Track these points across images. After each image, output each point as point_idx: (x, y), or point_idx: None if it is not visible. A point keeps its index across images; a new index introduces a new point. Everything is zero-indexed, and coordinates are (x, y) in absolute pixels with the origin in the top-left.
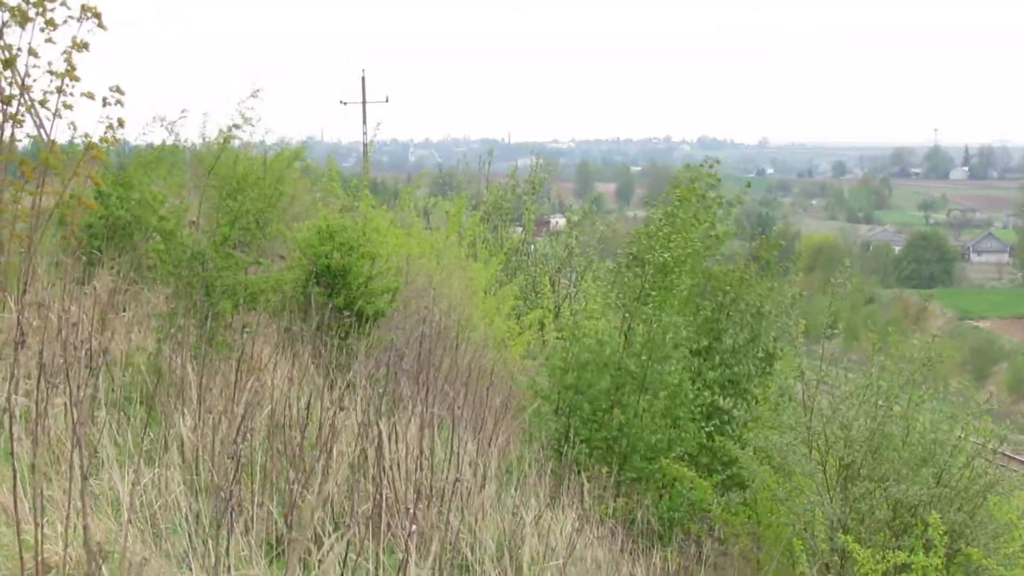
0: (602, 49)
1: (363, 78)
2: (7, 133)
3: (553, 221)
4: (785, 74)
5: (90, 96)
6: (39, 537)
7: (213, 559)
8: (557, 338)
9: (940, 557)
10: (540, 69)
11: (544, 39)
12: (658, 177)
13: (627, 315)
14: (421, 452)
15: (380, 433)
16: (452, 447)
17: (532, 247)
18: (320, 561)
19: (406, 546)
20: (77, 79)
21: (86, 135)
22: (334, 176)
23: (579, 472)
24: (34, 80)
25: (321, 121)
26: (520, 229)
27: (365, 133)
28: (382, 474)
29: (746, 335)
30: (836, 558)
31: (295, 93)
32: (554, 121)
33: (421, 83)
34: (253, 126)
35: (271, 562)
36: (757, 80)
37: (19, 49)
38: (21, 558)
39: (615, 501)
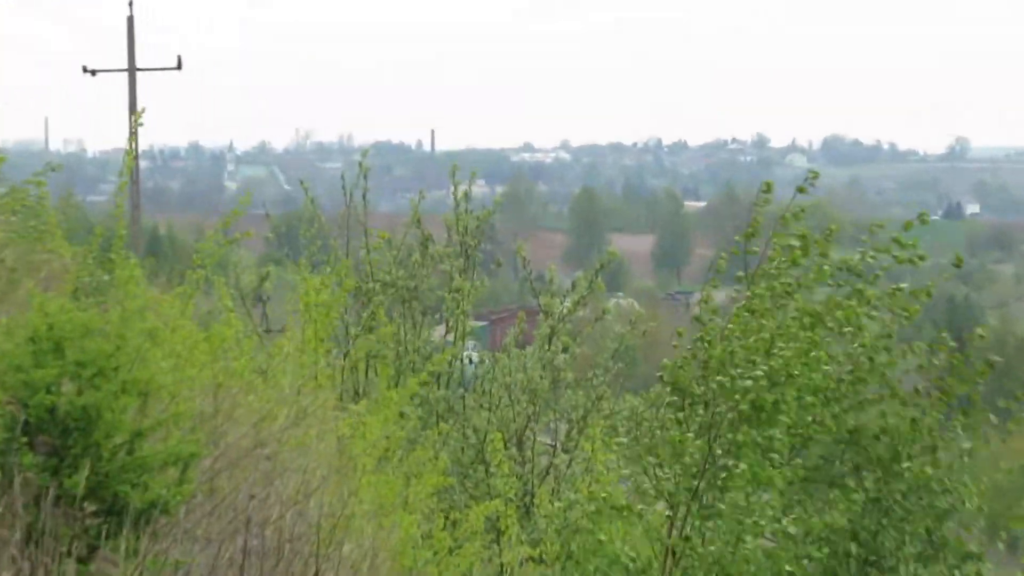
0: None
1: (130, 17)
2: None
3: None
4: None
5: None
6: None
7: None
8: (533, 561)
9: None
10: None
11: None
12: (738, 219)
13: (679, 512)
14: None
15: None
16: None
17: (472, 369)
18: None
19: None
20: None
21: None
22: (66, 219)
23: None
24: None
25: (47, 108)
26: (444, 333)
27: (133, 131)
28: None
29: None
30: None
31: None
32: (523, 113)
33: (257, 47)
34: None
35: None
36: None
37: None
38: None
39: None
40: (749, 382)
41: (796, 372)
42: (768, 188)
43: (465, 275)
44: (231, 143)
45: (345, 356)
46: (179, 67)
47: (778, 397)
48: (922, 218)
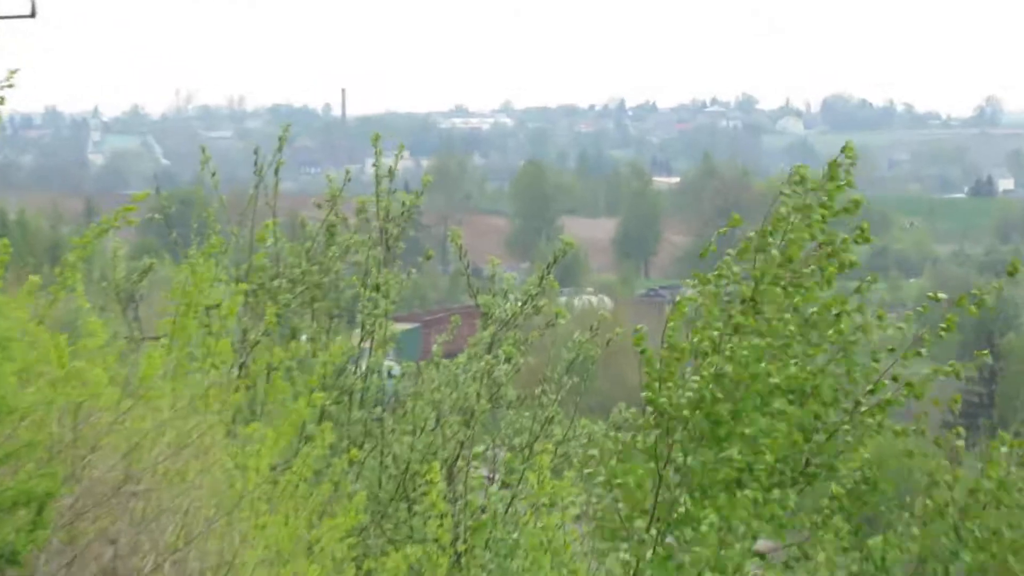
0: None
1: None
2: None
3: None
4: None
5: None
6: None
7: None
8: None
9: None
10: None
11: None
12: (720, 199)
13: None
14: None
15: None
16: None
17: (389, 381)
18: None
19: None
20: None
21: None
22: None
23: None
24: None
25: None
26: (360, 339)
27: None
28: None
29: None
30: None
31: None
32: (453, 69)
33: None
34: None
35: None
36: None
37: None
38: None
39: None
40: (694, 385)
41: (758, 370)
42: (801, 179)
43: (386, 268)
44: (96, 108)
45: (241, 369)
46: (33, 15)
47: (735, 405)
48: (846, 150)
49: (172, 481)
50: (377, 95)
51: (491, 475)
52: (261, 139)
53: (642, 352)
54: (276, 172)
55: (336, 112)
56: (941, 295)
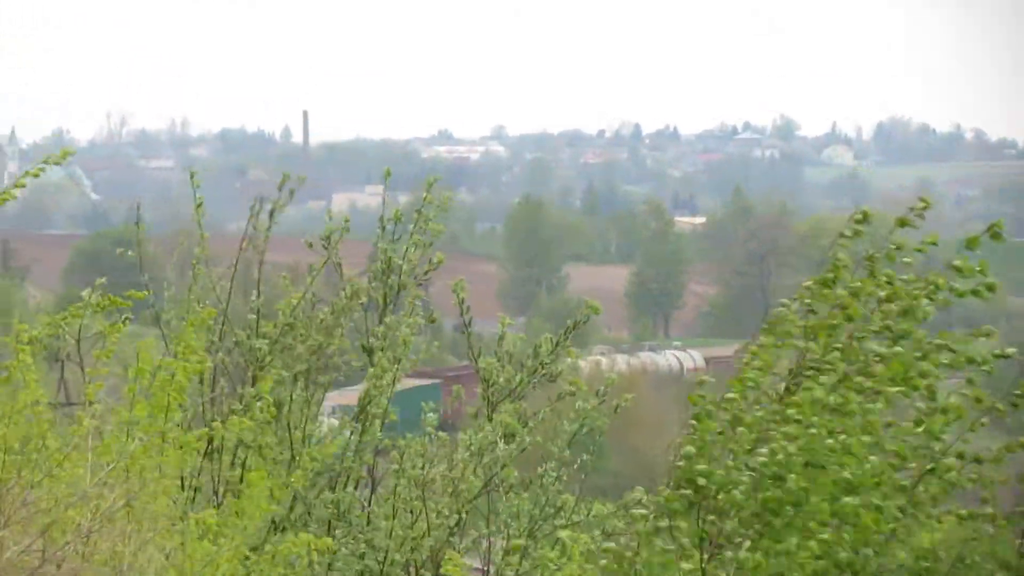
0: None
1: None
2: None
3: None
4: None
5: None
6: None
7: None
8: None
9: None
10: None
11: None
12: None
13: None
14: None
15: None
16: None
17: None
18: None
19: None
20: None
21: None
22: None
23: None
24: None
25: None
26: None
27: None
28: None
29: None
30: None
31: None
32: (437, 90)
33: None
34: None
35: None
36: None
37: None
38: None
39: None
40: (750, 471)
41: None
42: (864, 217)
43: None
44: (12, 132)
45: (210, 444)
46: None
47: (803, 488)
48: (994, 231)
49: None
50: (345, 119)
51: (484, 567)
52: (208, 170)
53: (696, 418)
54: (272, 215)
55: (297, 138)
56: (1011, 351)
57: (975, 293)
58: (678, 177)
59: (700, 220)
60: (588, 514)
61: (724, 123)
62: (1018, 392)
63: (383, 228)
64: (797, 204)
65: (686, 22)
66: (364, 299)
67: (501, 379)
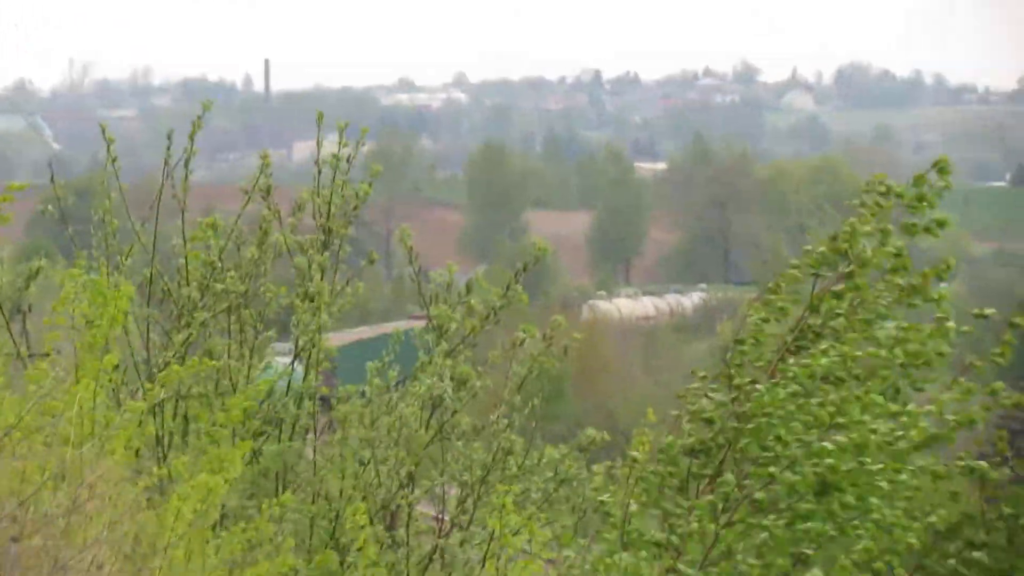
0: None
1: None
2: None
3: None
4: None
5: None
6: None
7: None
8: None
9: None
10: None
11: None
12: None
13: None
14: None
15: None
16: None
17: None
18: None
19: None
20: None
21: None
22: None
23: None
24: None
25: None
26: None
27: None
28: None
29: None
30: None
31: None
32: (396, 36)
33: None
34: None
35: None
36: None
37: None
38: None
39: None
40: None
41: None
42: (886, 189)
43: (327, 274)
44: None
45: (144, 395)
46: None
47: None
48: (940, 167)
49: (72, 534)
50: (306, 67)
51: (439, 516)
52: (170, 119)
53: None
54: (187, 164)
55: (258, 87)
56: (989, 311)
57: (927, 230)
58: (639, 123)
59: (661, 166)
60: (539, 460)
61: (685, 69)
62: (997, 352)
63: (318, 172)
64: (758, 149)
65: None
66: (303, 244)
67: (453, 326)
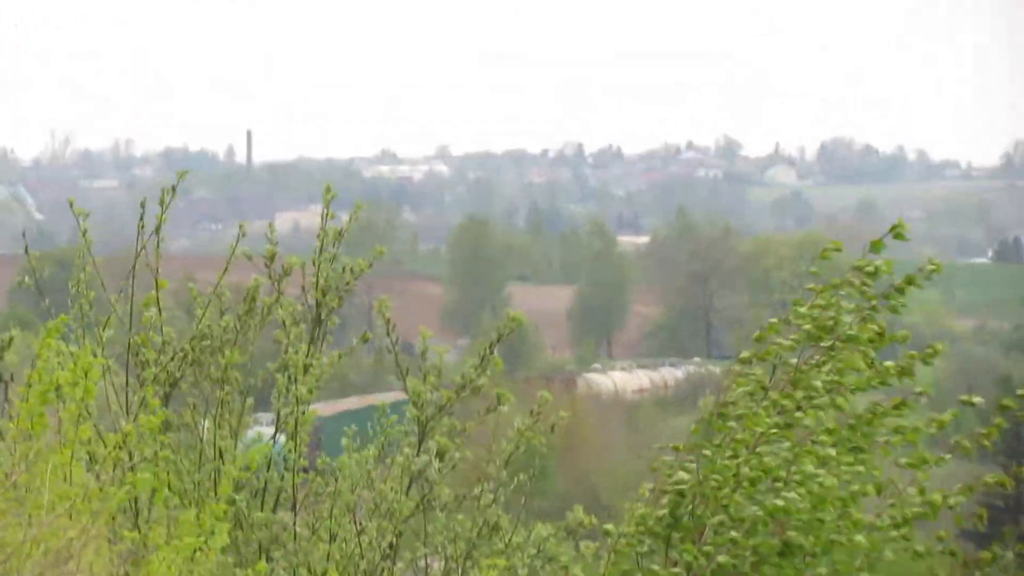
0: None
1: None
2: None
3: None
4: None
5: None
6: None
7: None
8: None
9: None
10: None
11: None
12: (697, 262)
13: None
14: None
15: None
16: None
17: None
18: None
19: None
20: None
21: None
22: None
23: None
24: None
25: None
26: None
27: None
28: None
29: None
30: None
31: None
32: (380, 108)
33: None
34: None
35: None
36: None
37: None
38: None
39: None
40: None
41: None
42: (875, 271)
43: (313, 347)
44: None
45: (116, 466)
46: None
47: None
48: (897, 232)
49: None
50: (288, 139)
51: None
52: (152, 189)
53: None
54: (157, 231)
55: (240, 158)
56: (976, 399)
57: (887, 297)
58: (622, 197)
59: (644, 240)
60: (528, 536)
61: (667, 143)
62: (984, 432)
63: (321, 247)
64: (740, 224)
65: (628, 42)
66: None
67: (429, 397)
